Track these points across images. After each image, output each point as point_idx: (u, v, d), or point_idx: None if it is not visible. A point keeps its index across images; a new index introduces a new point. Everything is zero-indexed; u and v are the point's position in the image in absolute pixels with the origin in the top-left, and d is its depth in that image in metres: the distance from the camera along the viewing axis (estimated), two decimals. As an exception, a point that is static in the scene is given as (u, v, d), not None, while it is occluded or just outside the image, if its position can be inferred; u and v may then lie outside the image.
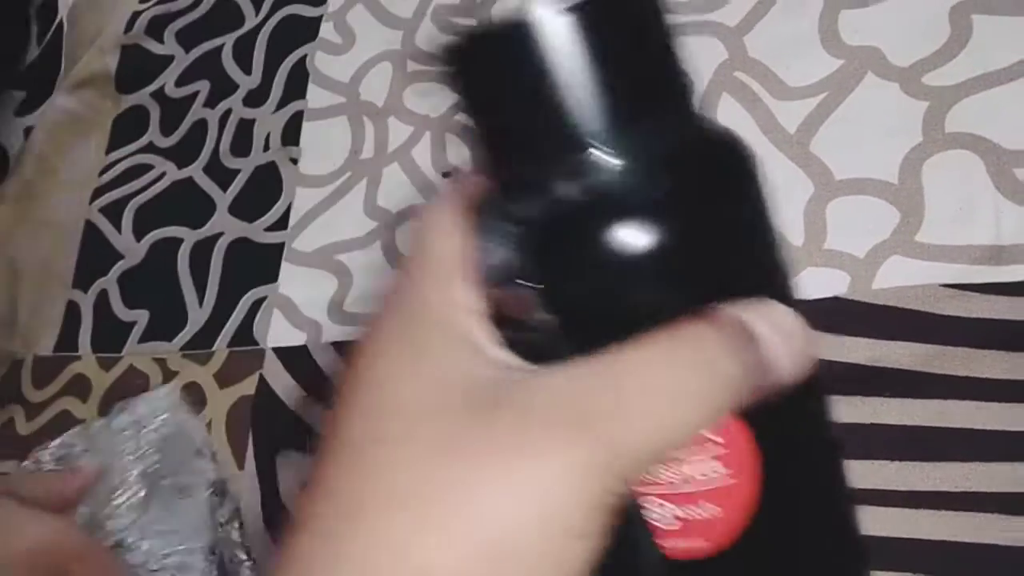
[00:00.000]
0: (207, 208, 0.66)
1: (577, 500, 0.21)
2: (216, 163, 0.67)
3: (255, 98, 0.68)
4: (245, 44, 0.71)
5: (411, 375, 0.24)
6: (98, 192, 0.72)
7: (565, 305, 0.24)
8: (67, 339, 0.67)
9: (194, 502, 0.54)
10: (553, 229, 0.24)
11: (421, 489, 0.22)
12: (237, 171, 0.66)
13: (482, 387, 0.24)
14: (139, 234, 0.68)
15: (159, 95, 0.73)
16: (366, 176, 0.61)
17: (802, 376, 0.24)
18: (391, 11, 0.66)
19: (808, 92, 0.50)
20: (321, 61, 0.67)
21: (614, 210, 0.23)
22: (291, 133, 0.66)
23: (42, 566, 0.47)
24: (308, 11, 0.70)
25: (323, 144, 0.64)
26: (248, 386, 0.58)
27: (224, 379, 0.60)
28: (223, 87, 0.70)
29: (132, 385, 0.63)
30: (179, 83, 0.73)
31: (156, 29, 0.76)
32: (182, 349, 0.62)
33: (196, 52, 0.74)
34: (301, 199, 0.63)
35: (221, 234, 0.64)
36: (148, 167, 0.71)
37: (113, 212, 0.70)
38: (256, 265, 0.62)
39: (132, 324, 0.65)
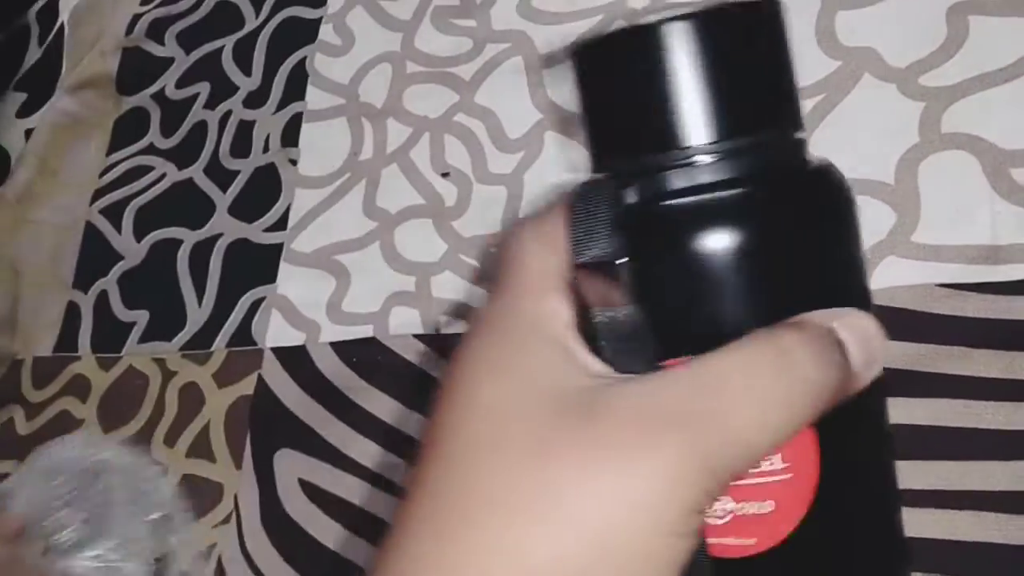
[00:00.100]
0: (207, 209, 0.66)
1: (676, 499, 0.22)
2: (216, 164, 0.68)
3: (255, 100, 0.69)
4: (245, 46, 0.72)
5: (508, 381, 0.25)
6: (99, 193, 0.72)
7: (653, 292, 0.25)
8: (67, 339, 0.68)
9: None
10: (658, 217, 0.25)
11: (526, 489, 0.23)
12: (237, 172, 0.66)
13: (577, 392, 0.24)
14: (139, 235, 0.68)
15: (159, 97, 0.74)
16: (365, 177, 0.61)
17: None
18: (390, 13, 0.66)
19: (806, 93, 0.50)
20: (320, 63, 0.67)
21: (715, 210, 0.24)
22: (290, 134, 0.66)
23: None
24: (308, 13, 0.70)
25: (322, 145, 0.64)
26: (247, 386, 0.59)
27: (223, 379, 0.60)
28: (223, 89, 0.71)
29: (131, 385, 0.63)
30: (179, 85, 0.73)
31: (157, 31, 0.77)
32: (181, 349, 0.62)
33: (196, 54, 0.74)
34: (300, 200, 0.63)
35: (220, 235, 0.65)
36: (148, 168, 0.71)
37: (113, 213, 0.70)
38: (255, 266, 0.62)
39: (132, 324, 0.65)
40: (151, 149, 0.72)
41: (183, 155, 0.70)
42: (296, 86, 0.67)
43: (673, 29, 0.24)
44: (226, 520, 0.56)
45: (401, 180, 0.60)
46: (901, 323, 0.43)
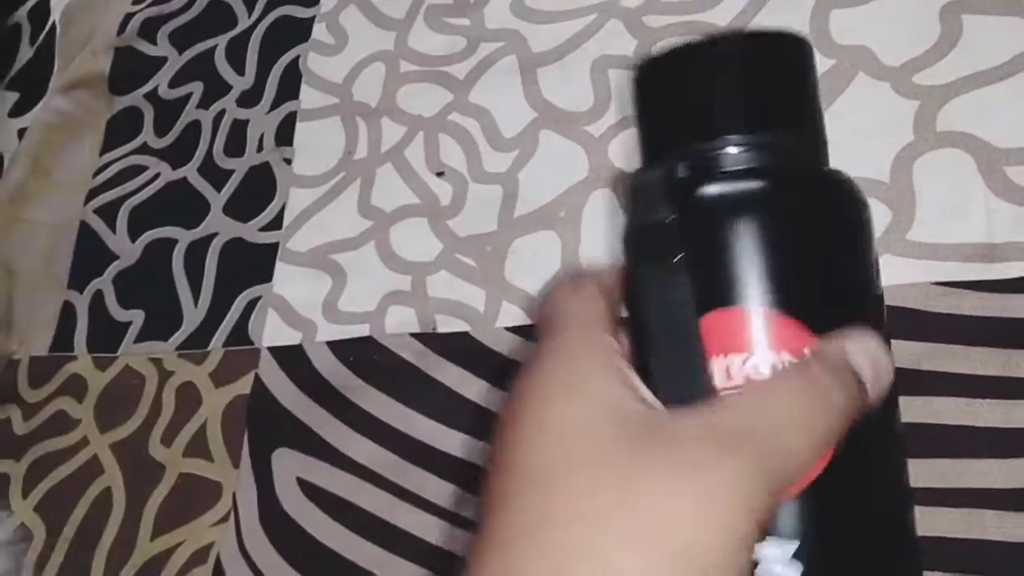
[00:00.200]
0: (201, 208, 0.66)
1: (747, 514, 0.24)
2: (210, 164, 0.68)
3: (248, 99, 0.69)
4: (238, 45, 0.71)
5: (578, 403, 0.28)
6: (93, 193, 0.72)
7: (697, 245, 0.30)
8: (63, 339, 0.68)
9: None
10: (704, 188, 0.30)
11: (611, 505, 0.25)
12: (231, 172, 0.66)
13: (642, 415, 0.27)
14: (134, 235, 0.68)
15: (152, 96, 0.74)
16: (360, 176, 0.61)
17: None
18: (383, 12, 0.66)
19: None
20: (314, 62, 0.67)
21: (743, 188, 0.30)
22: (284, 134, 0.66)
23: None
24: (301, 12, 0.70)
25: (316, 144, 0.64)
26: (243, 385, 0.59)
27: (219, 378, 0.60)
28: (216, 88, 0.71)
29: (128, 385, 0.63)
30: (172, 84, 0.73)
31: (149, 31, 0.77)
32: (177, 349, 0.62)
33: (189, 53, 0.74)
34: (295, 199, 0.63)
35: (216, 234, 0.65)
36: (142, 168, 0.71)
37: (108, 213, 0.70)
38: (251, 265, 0.62)
39: (127, 324, 0.65)
40: (145, 149, 0.72)
41: (177, 155, 0.70)
42: (290, 85, 0.67)
43: (724, 47, 0.32)
44: (224, 519, 0.56)
45: (396, 179, 0.60)
46: (898, 322, 0.44)
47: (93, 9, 0.80)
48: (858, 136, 0.48)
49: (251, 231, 0.63)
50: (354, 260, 0.59)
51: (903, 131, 0.47)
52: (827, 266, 0.31)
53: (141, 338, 0.64)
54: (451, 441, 0.52)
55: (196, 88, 0.72)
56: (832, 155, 0.43)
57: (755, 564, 0.27)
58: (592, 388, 0.28)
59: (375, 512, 0.52)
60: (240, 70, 0.70)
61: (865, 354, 0.28)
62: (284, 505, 0.54)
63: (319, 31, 0.68)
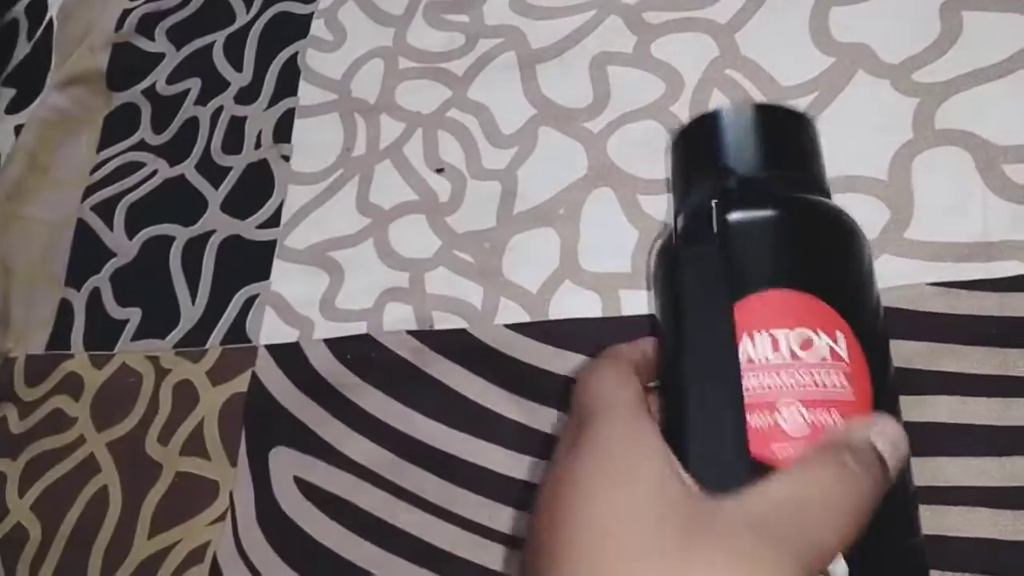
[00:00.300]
0: (199, 206, 0.66)
1: None
2: (208, 161, 0.68)
3: (246, 95, 0.68)
4: (236, 41, 0.71)
5: (621, 495, 0.30)
6: (90, 190, 0.72)
7: (738, 240, 0.35)
8: (60, 337, 0.67)
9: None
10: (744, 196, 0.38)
11: None
12: (229, 168, 0.66)
13: (686, 502, 0.29)
14: (131, 232, 0.68)
15: (150, 93, 0.73)
16: (358, 173, 0.61)
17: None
18: (382, 8, 0.66)
19: (800, 91, 0.50)
20: (312, 58, 0.67)
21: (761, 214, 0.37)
22: (283, 130, 0.66)
23: None
24: (299, 8, 0.70)
25: (315, 141, 0.64)
26: (241, 383, 0.59)
27: (217, 376, 0.60)
28: (214, 85, 0.70)
29: (124, 383, 0.63)
30: (170, 81, 0.73)
31: (147, 27, 0.76)
32: (175, 347, 0.62)
33: (187, 50, 0.74)
34: (293, 196, 0.63)
35: (213, 232, 0.65)
36: (140, 165, 0.71)
37: (105, 210, 0.70)
38: (248, 262, 0.62)
39: (125, 322, 0.65)
40: (142, 145, 0.71)
41: (174, 151, 0.70)
42: (288, 82, 0.67)
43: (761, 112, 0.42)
44: (221, 518, 0.56)
45: (394, 176, 0.60)
46: (895, 321, 0.43)
47: (91, 5, 0.80)
48: (857, 134, 0.48)
49: (249, 228, 0.63)
50: (352, 257, 0.59)
51: (902, 129, 0.47)
52: (856, 269, 0.37)
53: (138, 336, 0.64)
54: (449, 440, 0.52)
55: (194, 84, 0.71)
56: (831, 153, 0.44)
57: None
58: (637, 476, 0.30)
59: (373, 511, 0.52)
60: (238, 66, 0.70)
61: (887, 438, 0.31)
62: (281, 504, 0.54)
63: (317, 27, 0.68)
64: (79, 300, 0.68)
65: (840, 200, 0.46)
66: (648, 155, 0.53)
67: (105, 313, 0.66)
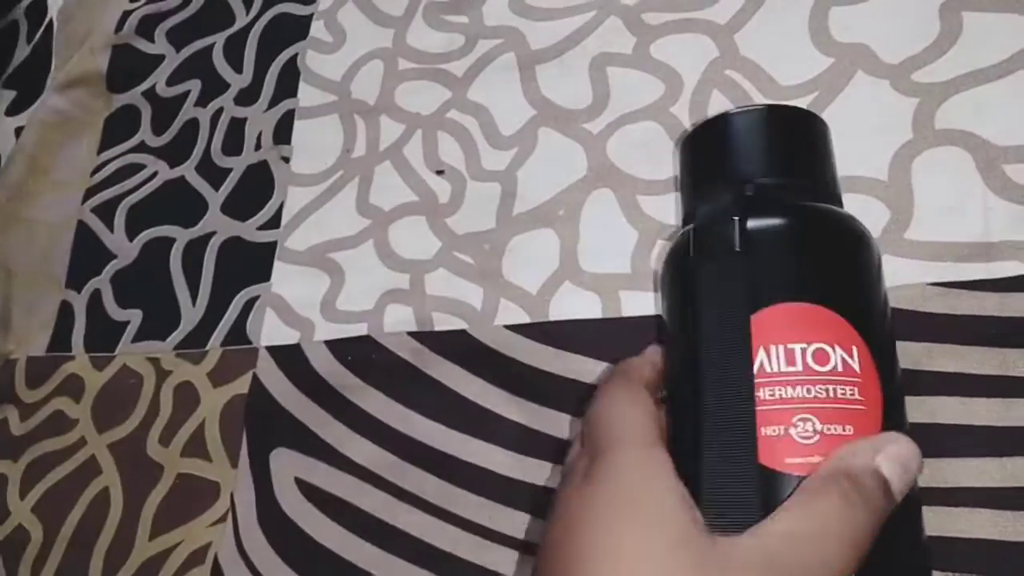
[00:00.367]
0: (199, 207, 0.66)
1: None
2: (208, 162, 0.68)
3: (246, 97, 0.69)
4: (236, 43, 0.71)
5: (633, 530, 0.30)
6: (90, 192, 0.72)
7: (755, 243, 0.36)
8: (60, 339, 0.67)
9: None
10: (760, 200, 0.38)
11: None
12: (229, 170, 0.66)
13: (699, 537, 0.30)
14: (131, 234, 0.68)
15: (150, 94, 0.73)
16: (358, 174, 0.61)
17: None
18: (382, 9, 0.66)
19: (799, 91, 0.50)
20: (312, 60, 0.67)
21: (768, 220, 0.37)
22: (283, 132, 0.66)
23: None
24: (299, 10, 0.70)
25: (315, 143, 0.64)
26: (241, 385, 0.59)
27: (217, 378, 0.60)
28: (214, 86, 0.70)
29: (125, 384, 0.63)
30: (170, 82, 0.73)
31: (147, 28, 0.76)
32: (175, 348, 0.62)
33: (187, 51, 0.74)
34: (293, 198, 0.63)
35: (213, 233, 0.65)
36: (140, 166, 0.71)
37: (105, 212, 0.70)
38: (249, 264, 0.62)
39: (125, 324, 0.65)
40: (142, 147, 0.71)
41: (175, 153, 0.70)
42: (288, 83, 0.67)
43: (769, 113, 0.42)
44: (222, 519, 0.56)
45: (394, 177, 0.60)
46: (896, 322, 0.43)
47: (91, 7, 0.80)
48: (857, 134, 0.48)
49: (249, 230, 0.63)
50: (352, 259, 0.59)
51: (902, 129, 0.47)
52: (869, 281, 0.37)
53: (139, 338, 0.64)
54: (449, 440, 0.52)
55: (194, 86, 0.71)
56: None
57: None
58: (650, 512, 0.30)
59: (373, 512, 0.52)
60: (238, 68, 0.70)
61: (895, 459, 0.32)
62: (282, 505, 0.54)
63: (317, 29, 0.68)
64: (80, 302, 0.68)
65: (840, 200, 0.46)
66: (648, 156, 0.53)
67: (106, 315, 0.66)
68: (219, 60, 0.71)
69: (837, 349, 0.34)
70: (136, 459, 0.60)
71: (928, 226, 0.45)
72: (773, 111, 0.42)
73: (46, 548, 0.60)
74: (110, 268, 0.68)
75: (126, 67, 0.76)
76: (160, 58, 0.74)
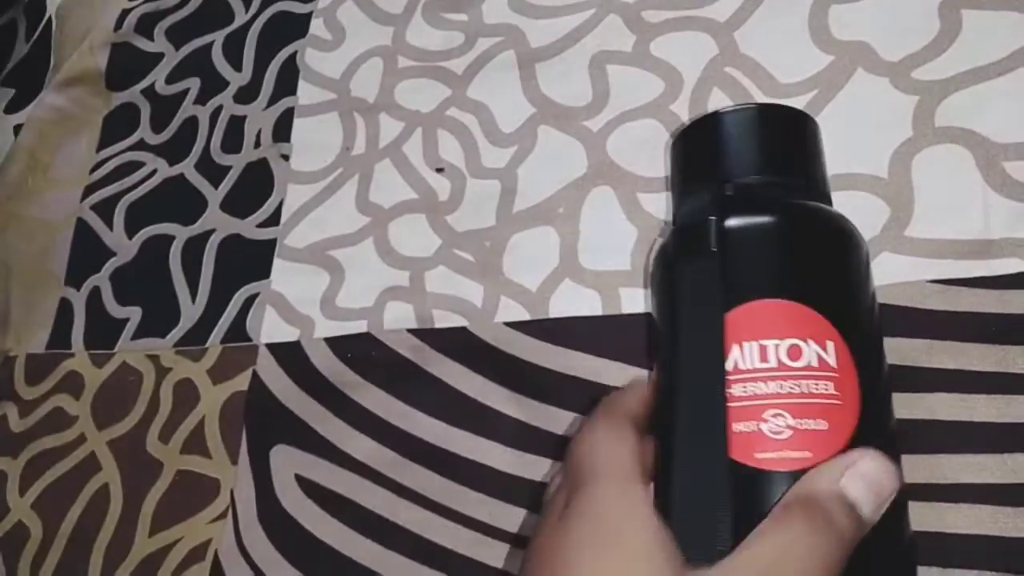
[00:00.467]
0: (199, 205, 0.66)
1: None
2: (207, 160, 0.68)
3: (246, 95, 0.69)
4: (235, 41, 0.71)
5: (612, 562, 0.31)
6: (89, 190, 0.72)
7: (732, 242, 0.36)
8: (60, 336, 0.67)
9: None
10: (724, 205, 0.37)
11: None
12: (228, 168, 0.66)
13: (668, 572, 0.30)
14: (131, 231, 0.68)
15: (149, 92, 0.73)
16: (357, 172, 0.61)
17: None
18: (381, 7, 0.66)
19: (799, 89, 0.50)
20: (311, 57, 0.67)
21: (764, 205, 0.38)
22: (282, 129, 0.66)
23: None
24: (298, 7, 0.70)
25: (314, 140, 0.64)
26: (241, 382, 0.59)
27: (217, 375, 0.60)
28: (213, 84, 0.70)
29: (125, 382, 0.63)
30: (169, 80, 0.73)
31: (146, 26, 0.77)
32: (175, 346, 0.62)
33: (186, 49, 0.74)
34: (293, 195, 0.63)
35: (213, 231, 0.65)
36: (139, 164, 0.71)
37: (104, 209, 0.70)
38: (248, 261, 0.62)
39: (125, 321, 0.65)
40: (141, 145, 0.71)
41: (174, 151, 0.70)
42: (287, 81, 0.67)
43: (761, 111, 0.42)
44: (222, 516, 0.56)
45: (394, 175, 0.60)
46: (895, 319, 0.44)
47: (89, 5, 0.80)
48: (857, 132, 0.48)
49: (249, 227, 0.63)
50: (352, 256, 0.59)
51: (902, 127, 0.47)
52: (848, 276, 0.37)
53: (138, 335, 0.64)
54: (449, 437, 0.52)
55: (193, 84, 0.71)
56: (832, 151, 0.44)
57: None
58: (627, 547, 0.31)
59: (373, 509, 0.52)
60: (237, 66, 0.70)
61: (865, 479, 0.31)
62: (282, 502, 0.54)
63: (316, 26, 0.68)
64: (79, 299, 0.68)
65: (840, 198, 0.46)
66: (648, 153, 0.53)
67: (105, 312, 0.66)
68: (218, 58, 0.71)
69: (811, 344, 0.34)
70: (136, 456, 0.60)
71: (928, 223, 0.45)
72: (760, 110, 0.42)
73: (46, 545, 0.60)
74: (109, 265, 0.68)
75: (125, 65, 0.76)
76: (159, 56, 0.74)
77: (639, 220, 0.51)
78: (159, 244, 0.66)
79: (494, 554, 0.48)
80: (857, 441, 0.33)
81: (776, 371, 0.34)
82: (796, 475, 0.32)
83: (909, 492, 0.40)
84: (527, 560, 0.34)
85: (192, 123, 0.70)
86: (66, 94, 0.76)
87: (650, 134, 0.53)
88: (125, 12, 0.78)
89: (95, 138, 0.74)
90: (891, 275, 0.44)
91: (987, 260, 0.43)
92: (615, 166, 0.53)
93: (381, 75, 0.64)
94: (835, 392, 0.33)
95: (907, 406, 0.42)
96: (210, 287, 0.63)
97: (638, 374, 0.48)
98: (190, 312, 0.63)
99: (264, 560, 0.54)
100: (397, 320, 0.56)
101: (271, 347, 0.59)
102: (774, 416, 0.33)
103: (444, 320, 0.54)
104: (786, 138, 0.41)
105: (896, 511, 0.34)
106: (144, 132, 0.72)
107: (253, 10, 0.72)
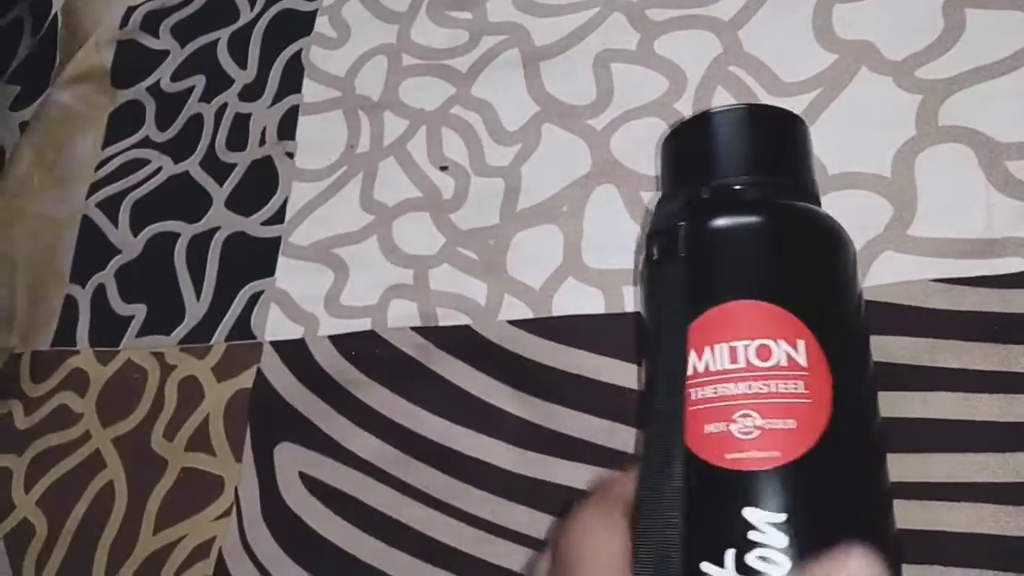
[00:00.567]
0: (203, 202, 0.66)
1: None
2: (212, 157, 0.68)
3: (250, 92, 0.69)
4: (240, 39, 0.72)
5: None
6: (95, 187, 0.72)
7: (700, 247, 0.37)
8: (65, 333, 0.68)
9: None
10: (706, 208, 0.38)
11: None
12: (233, 165, 0.66)
13: None
14: (136, 229, 0.68)
15: (155, 90, 0.74)
16: (362, 170, 0.61)
17: None
18: (386, 5, 0.66)
19: (802, 88, 0.50)
20: (316, 55, 0.67)
21: (742, 206, 0.38)
22: (287, 127, 0.66)
23: None
24: (303, 5, 0.70)
25: (319, 138, 0.64)
26: (246, 379, 0.59)
27: (222, 373, 0.60)
28: (218, 82, 0.71)
29: (130, 379, 0.63)
30: (174, 78, 0.73)
31: (151, 24, 0.77)
32: (180, 343, 0.62)
33: (191, 47, 0.74)
34: (297, 193, 0.63)
35: (218, 228, 0.65)
36: (144, 162, 0.71)
37: (110, 207, 0.70)
38: (253, 259, 0.62)
39: (130, 318, 0.65)
40: (147, 142, 0.72)
41: (179, 148, 0.70)
42: (292, 79, 0.67)
43: (743, 112, 0.41)
44: (226, 513, 0.56)
45: (398, 173, 0.60)
46: (898, 318, 0.44)
47: (96, 2, 0.80)
48: (860, 131, 0.48)
49: (253, 225, 0.63)
50: (356, 254, 0.59)
51: (905, 126, 0.47)
52: (822, 274, 0.37)
53: (143, 332, 0.64)
54: (453, 435, 0.52)
55: (198, 82, 0.72)
56: (835, 150, 0.44)
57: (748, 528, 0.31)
58: None
59: (377, 507, 0.52)
60: (242, 63, 0.70)
61: None
62: (286, 499, 0.54)
63: (321, 24, 0.68)
64: (84, 296, 0.68)
65: (843, 197, 0.46)
66: (651, 152, 0.53)
67: (110, 309, 0.66)
68: (223, 56, 0.71)
69: (781, 344, 0.34)
70: (140, 453, 0.60)
71: (931, 222, 0.45)
72: (742, 111, 0.42)
73: (51, 542, 0.61)
74: (114, 263, 0.68)
75: (131, 62, 0.76)
76: (164, 54, 0.75)
77: (642, 218, 0.52)
78: (164, 241, 0.66)
79: (497, 552, 0.49)
80: (828, 439, 0.32)
81: (745, 371, 0.34)
82: (764, 475, 0.32)
83: (911, 492, 0.41)
84: None
85: (197, 120, 0.70)
86: (72, 91, 0.77)
87: (654, 133, 0.53)
88: (131, 9, 0.78)
89: (100, 135, 0.74)
90: (894, 274, 0.45)
91: (990, 259, 0.43)
92: (619, 164, 0.53)
93: (385, 73, 0.64)
94: (804, 391, 0.33)
95: (909, 405, 0.42)
96: (215, 285, 0.63)
97: (641, 373, 0.48)
98: (195, 310, 0.63)
99: (268, 557, 0.54)
100: (401, 318, 0.56)
101: (275, 345, 0.59)
102: (743, 417, 0.33)
103: (448, 318, 0.55)
104: (767, 138, 0.41)
105: (885, 508, 0.34)
106: (149, 129, 0.72)
107: (258, 8, 0.72)
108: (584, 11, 0.58)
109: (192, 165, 0.68)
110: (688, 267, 0.36)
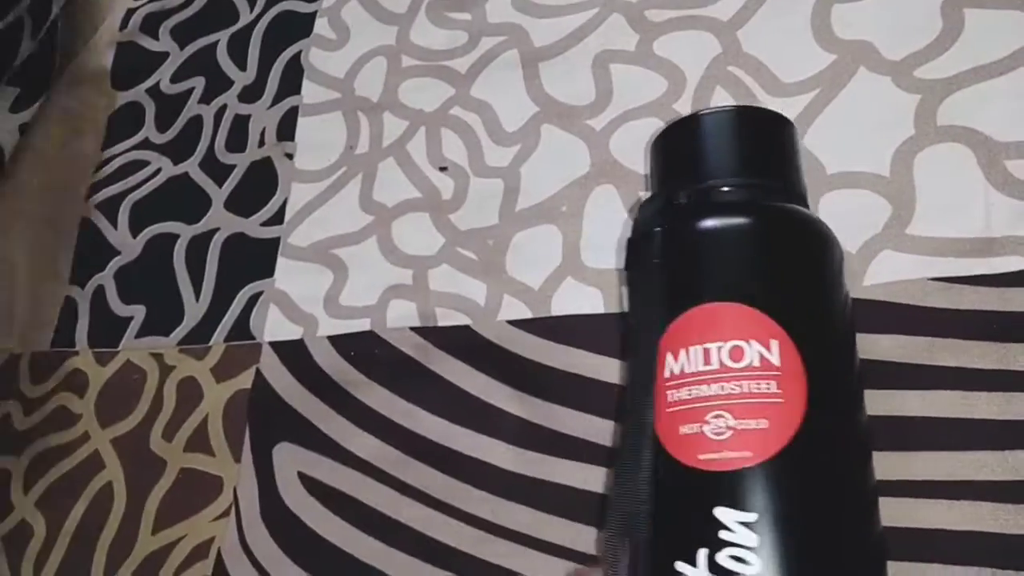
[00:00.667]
0: (203, 204, 0.66)
1: None
2: (211, 159, 0.68)
3: (250, 94, 0.69)
4: (239, 40, 0.72)
5: None
6: (94, 188, 0.72)
7: (678, 251, 0.37)
8: (64, 335, 0.68)
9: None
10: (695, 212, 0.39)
11: None
12: (232, 167, 0.66)
13: None
14: (135, 230, 0.68)
15: (154, 91, 0.74)
16: (361, 171, 0.61)
17: None
18: (385, 6, 0.66)
19: (801, 88, 0.50)
20: (316, 57, 0.67)
21: (727, 216, 0.38)
22: (286, 128, 0.66)
23: None
24: (302, 7, 0.70)
25: (318, 139, 0.64)
26: (245, 380, 0.59)
27: (221, 373, 0.60)
28: (218, 83, 0.71)
29: (129, 380, 0.63)
30: (174, 79, 0.73)
31: (151, 26, 0.77)
32: (179, 344, 0.62)
33: (191, 49, 0.74)
34: (296, 194, 0.63)
35: (217, 229, 0.65)
36: (144, 163, 0.71)
37: (109, 208, 0.70)
38: (252, 260, 0.62)
39: (129, 319, 0.65)
40: (146, 144, 0.72)
41: (178, 150, 0.70)
42: (291, 80, 0.67)
43: (729, 114, 0.42)
44: (225, 513, 0.56)
45: (398, 174, 0.60)
46: (896, 316, 0.44)
47: (95, 4, 0.80)
48: (859, 130, 0.48)
49: (253, 226, 0.63)
50: (355, 255, 0.59)
51: (904, 125, 0.47)
52: (797, 274, 0.37)
53: (142, 333, 0.64)
54: (452, 435, 0.52)
55: (198, 83, 0.72)
56: (834, 149, 0.44)
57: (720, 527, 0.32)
58: None
59: (376, 507, 0.52)
60: (242, 65, 0.70)
61: None
62: (285, 500, 0.54)
63: (321, 26, 0.68)
64: (83, 298, 0.68)
65: (841, 196, 0.46)
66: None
67: (109, 310, 0.66)
68: (223, 57, 0.71)
69: (753, 344, 0.34)
70: (139, 454, 0.60)
71: (930, 222, 0.45)
72: (726, 113, 0.42)
73: (49, 543, 0.61)
74: (114, 264, 0.68)
75: (130, 64, 0.76)
76: (164, 55, 0.75)
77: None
78: (163, 243, 0.66)
79: (497, 551, 0.48)
80: (802, 439, 0.33)
81: (718, 373, 0.34)
82: (736, 475, 0.32)
83: (910, 490, 0.41)
84: None
85: (196, 122, 0.70)
86: (71, 93, 0.77)
87: (653, 133, 0.53)
88: (130, 11, 0.78)
89: (100, 137, 0.74)
90: (892, 273, 0.45)
91: (988, 258, 0.43)
92: (618, 165, 0.53)
93: (385, 74, 0.64)
94: (777, 391, 0.33)
95: (908, 404, 0.42)
96: (214, 285, 0.63)
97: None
98: (194, 310, 0.63)
99: (267, 558, 0.54)
100: (400, 318, 0.56)
101: (274, 345, 0.59)
102: (715, 417, 0.33)
103: (447, 318, 0.55)
104: (751, 140, 0.41)
105: (865, 507, 0.34)
106: (149, 131, 0.72)
107: (258, 9, 0.72)
108: (583, 12, 0.59)
109: (191, 166, 0.68)
110: (663, 271, 0.37)
